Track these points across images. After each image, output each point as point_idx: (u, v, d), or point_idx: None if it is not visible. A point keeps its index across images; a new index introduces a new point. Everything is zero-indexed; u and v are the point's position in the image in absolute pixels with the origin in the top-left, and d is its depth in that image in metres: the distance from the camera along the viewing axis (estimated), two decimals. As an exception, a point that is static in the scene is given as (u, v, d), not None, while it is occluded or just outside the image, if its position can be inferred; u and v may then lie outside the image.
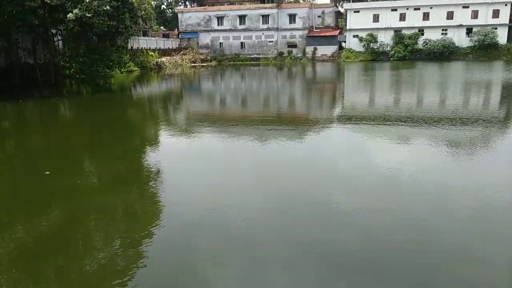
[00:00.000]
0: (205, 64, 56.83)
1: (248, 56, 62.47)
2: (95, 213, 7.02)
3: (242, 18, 62.60)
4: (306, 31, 60.59)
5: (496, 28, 52.46)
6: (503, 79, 27.89)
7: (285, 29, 61.40)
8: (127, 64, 38.85)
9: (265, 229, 6.27)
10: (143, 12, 44.96)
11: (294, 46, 61.37)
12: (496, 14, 53.25)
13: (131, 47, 45.08)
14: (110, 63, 32.51)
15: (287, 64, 54.82)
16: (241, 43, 63.02)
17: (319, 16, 61.59)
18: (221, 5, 66.84)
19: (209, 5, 66.77)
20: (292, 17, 61.18)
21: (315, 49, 59.55)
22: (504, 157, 9.73)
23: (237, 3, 68.53)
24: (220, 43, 63.72)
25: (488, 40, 51.30)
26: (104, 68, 32.47)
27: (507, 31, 53.14)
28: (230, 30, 63.10)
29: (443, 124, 13.36)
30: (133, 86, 32.14)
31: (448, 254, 5.36)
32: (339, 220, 6.45)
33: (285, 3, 65.49)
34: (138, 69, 45.65)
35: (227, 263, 5.35)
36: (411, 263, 5.17)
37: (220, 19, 63.36)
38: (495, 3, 53.03)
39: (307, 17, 60.67)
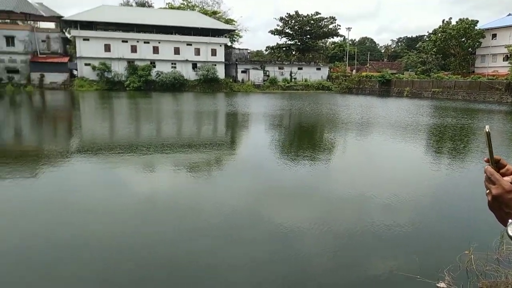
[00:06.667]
0: None
1: (-49, 81, 50.72)
2: None
3: None
4: (29, 56, 54.23)
5: (215, 65, 60.91)
6: (229, 110, 32.37)
7: (3, 52, 53.18)
8: None
9: None
10: None
11: (16, 71, 53.83)
12: (214, 52, 61.97)
13: None
14: None
15: (8, 92, 47.26)
16: None
17: (43, 41, 56.42)
18: None
19: None
20: (10, 40, 53.66)
21: (43, 76, 53.96)
22: (240, 174, 11.08)
23: None
24: None
25: (210, 75, 58.93)
26: None
27: (224, 68, 62.57)
28: None
29: (186, 149, 14.18)
30: None
31: (203, 265, 5.48)
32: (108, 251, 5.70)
33: (-1, 23, 56.88)
34: None
35: None
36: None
37: None
38: (212, 43, 61.65)
39: (29, 41, 54.51)
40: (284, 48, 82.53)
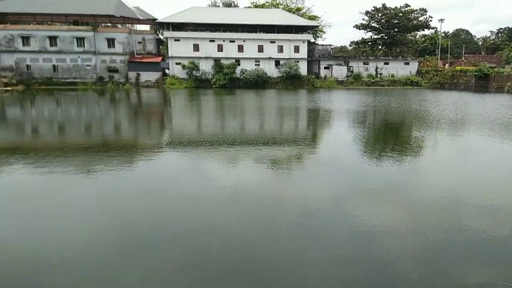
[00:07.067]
0: (9, 89, 49.30)
1: (63, 80, 56.99)
2: None
3: (53, 39, 56.97)
4: (127, 56, 58.95)
5: (298, 61, 60.85)
6: (311, 106, 32.26)
7: (104, 53, 58.45)
8: None
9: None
10: None
11: (116, 71, 58.88)
12: (297, 49, 61.92)
13: None
14: None
15: (109, 90, 51.97)
16: (54, 66, 57.16)
17: (140, 42, 60.85)
18: (26, 23, 59.70)
19: (11, 23, 58.70)
20: (110, 42, 58.72)
21: (139, 74, 58.38)
22: (321, 169, 11.06)
23: (46, 23, 62.27)
24: (27, 65, 56.43)
25: (293, 72, 59.02)
26: None
27: (306, 64, 62.30)
28: (39, 52, 56.55)
29: (268, 145, 14.49)
30: None
31: (281, 258, 5.61)
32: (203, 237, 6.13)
33: (101, 26, 62.41)
34: None
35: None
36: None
37: (25, 39, 56.20)
38: (295, 40, 61.66)
39: (127, 43, 59.16)
40: (369, 43, 79.72)
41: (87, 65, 58.10)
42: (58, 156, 12.52)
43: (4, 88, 49.23)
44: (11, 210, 7.78)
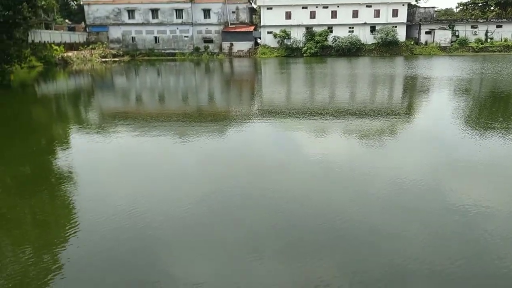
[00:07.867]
0: (117, 59, 54.00)
1: (163, 51, 60.71)
2: (2, 222, 6.16)
3: (154, 12, 60.53)
4: (221, 27, 60.50)
5: (396, 26, 57.07)
6: (408, 74, 30.39)
7: (201, 24, 60.68)
8: (28, 58, 35.21)
9: (194, 233, 5.98)
10: (43, 2, 41.61)
11: (211, 41, 60.96)
12: (395, 13, 57.95)
13: (32, 40, 41.18)
14: (8, 58, 29.24)
15: (204, 60, 54.22)
16: (155, 37, 61.00)
17: (233, 12, 61.84)
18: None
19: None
20: (206, 12, 60.63)
21: (232, 44, 59.76)
22: (415, 144, 10.53)
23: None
24: (132, 37, 61.00)
25: (389, 38, 55.62)
26: (0, 64, 29.11)
27: (405, 29, 58.18)
28: (142, 24, 60.67)
29: (361, 117, 14.12)
30: (36, 82, 29.35)
31: (373, 232, 5.56)
32: (289, 210, 6.39)
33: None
34: (41, 64, 41.98)
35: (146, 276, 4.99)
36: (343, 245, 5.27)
37: (131, 12, 60.55)
38: (393, 3, 57.64)
39: (221, 13, 60.57)
40: (479, 4, 71.57)
41: (184, 36, 60.96)
42: (162, 122, 13.61)
43: (113, 59, 54.00)
44: (123, 170, 8.75)
